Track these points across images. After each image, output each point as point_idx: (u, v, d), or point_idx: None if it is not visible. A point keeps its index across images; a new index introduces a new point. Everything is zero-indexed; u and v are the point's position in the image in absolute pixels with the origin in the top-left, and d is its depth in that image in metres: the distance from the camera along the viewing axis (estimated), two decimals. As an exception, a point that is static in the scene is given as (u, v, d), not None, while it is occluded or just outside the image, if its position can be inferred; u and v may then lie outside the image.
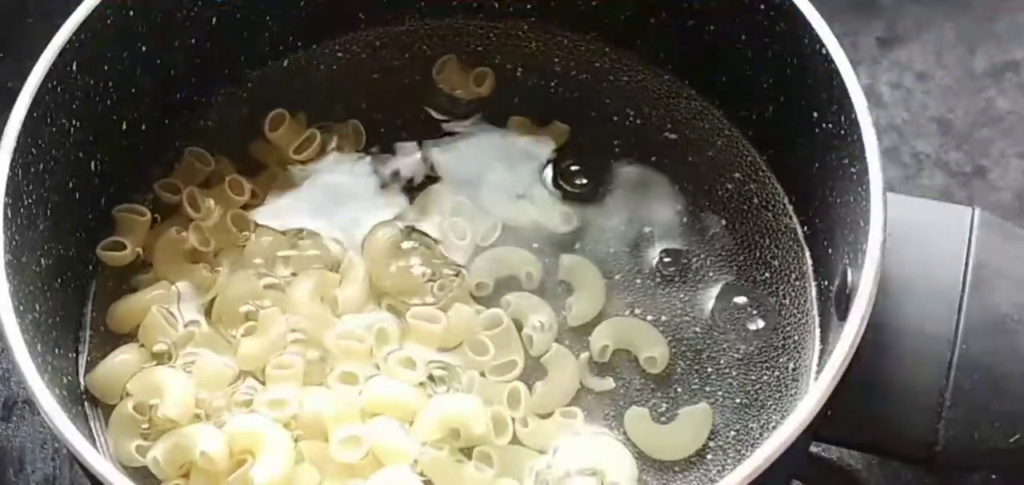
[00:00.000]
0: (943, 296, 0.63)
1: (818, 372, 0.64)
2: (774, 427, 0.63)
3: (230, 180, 0.70)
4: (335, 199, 0.70)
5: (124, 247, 0.68)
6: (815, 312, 0.67)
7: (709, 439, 0.64)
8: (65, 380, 0.63)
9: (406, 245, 0.69)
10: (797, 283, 0.67)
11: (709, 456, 0.63)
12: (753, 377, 0.65)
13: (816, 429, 0.58)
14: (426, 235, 0.69)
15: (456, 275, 0.68)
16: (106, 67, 0.66)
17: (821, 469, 0.73)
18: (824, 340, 0.65)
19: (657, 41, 0.72)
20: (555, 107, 0.73)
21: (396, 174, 0.71)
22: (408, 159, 0.72)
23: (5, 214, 0.60)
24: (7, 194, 0.60)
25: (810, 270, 0.68)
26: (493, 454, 0.62)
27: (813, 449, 0.71)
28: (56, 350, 0.63)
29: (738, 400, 0.65)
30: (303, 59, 0.75)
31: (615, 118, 0.73)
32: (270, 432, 0.62)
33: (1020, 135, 0.84)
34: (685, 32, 0.71)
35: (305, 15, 0.74)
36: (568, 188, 0.71)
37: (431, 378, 0.64)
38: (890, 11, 0.89)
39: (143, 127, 0.70)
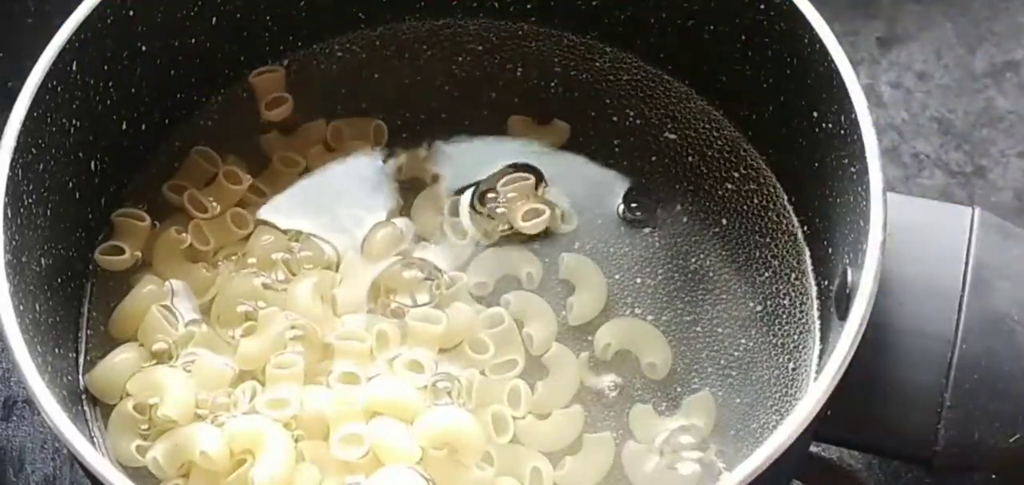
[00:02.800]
0: (943, 296, 0.63)
1: (818, 372, 0.64)
2: (774, 427, 0.63)
3: (225, 171, 0.70)
4: (335, 198, 0.70)
5: (123, 251, 0.68)
6: (815, 312, 0.67)
7: (709, 439, 0.64)
8: (65, 380, 0.63)
9: (406, 245, 0.69)
10: (797, 283, 0.67)
11: (710, 456, 0.63)
12: (753, 377, 0.65)
13: (816, 429, 0.58)
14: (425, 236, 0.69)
15: (456, 275, 0.68)
16: (106, 67, 0.66)
17: (821, 469, 0.73)
18: (824, 340, 0.65)
19: (657, 41, 0.73)
20: (555, 107, 0.73)
21: (396, 174, 0.71)
22: (408, 159, 0.72)
23: (5, 214, 0.60)
24: (7, 194, 0.60)
25: (810, 270, 0.68)
26: (493, 453, 0.62)
27: (813, 449, 0.71)
28: (56, 350, 0.63)
29: (738, 400, 0.65)
30: (303, 59, 0.75)
31: (615, 118, 0.73)
32: (270, 432, 0.62)
33: (1020, 135, 0.84)
34: (685, 32, 0.71)
35: (305, 15, 0.74)
36: (569, 188, 0.71)
37: (434, 387, 0.64)
38: (890, 11, 0.89)
39: (143, 127, 0.70)
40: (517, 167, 0.71)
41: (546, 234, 0.69)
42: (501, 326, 0.66)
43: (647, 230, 0.69)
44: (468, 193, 0.70)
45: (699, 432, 0.64)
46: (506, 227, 0.69)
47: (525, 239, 0.69)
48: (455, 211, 0.70)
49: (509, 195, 0.69)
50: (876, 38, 0.88)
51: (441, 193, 0.70)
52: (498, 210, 0.69)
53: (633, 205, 0.70)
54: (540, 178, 0.70)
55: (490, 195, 0.70)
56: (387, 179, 0.71)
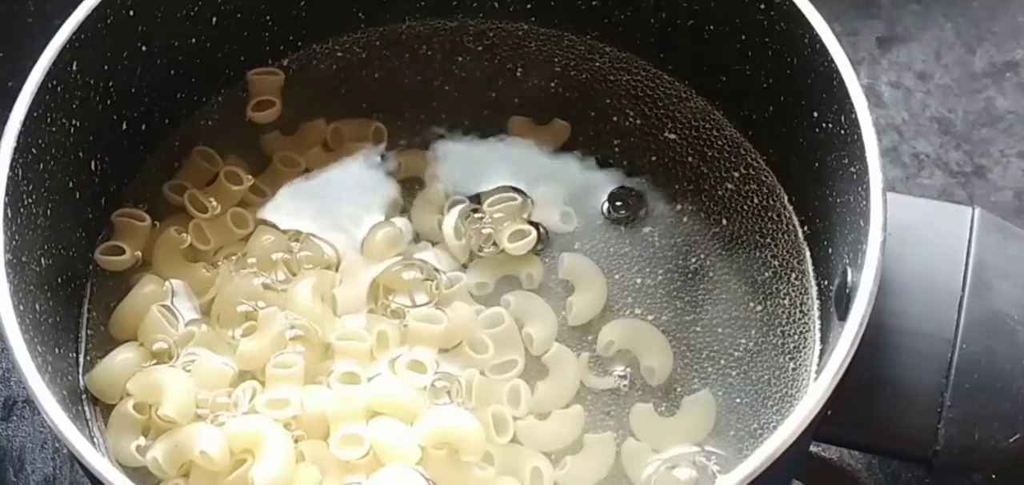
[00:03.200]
0: (943, 296, 0.63)
1: (818, 372, 0.64)
2: (774, 427, 0.63)
3: (226, 171, 0.70)
4: (336, 198, 0.70)
5: (123, 251, 0.68)
6: (815, 312, 0.67)
7: (709, 439, 0.64)
8: (65, 380, 0.63)
9: (405, 245, 0.69)
10: (797, 283, 0.68)
11: (710, 456, 0.63)
12: (753, 377, 0.65)
13: (816, 429, 0.57)
14: (425, 237, 0.69)
15: (455, 275, 0.68)
16: (106, 67, 0.66)
17: (821, 469, 0.73)
18: (824, 340, 0.65)
19: (657, 41, 0.73)
20: (555, 107, 0.73)
21: (396, 174, 0.71)
22: (408, 159, 0.72)
23: (5, 214, 0.60)
24: (7, 194, 0.60)
25: (810, 270, 0.68)
26: (494, 453, 0.62)
27: (813, 449, 0.71)
28: (56, 350, 0.63)
29: (738, 400, 0.65)
30: (303, 59, 0.75)
31: (615, 118, 0.73)
32: (270, 432, 0.62)
33: (1020, 135, 0.84)
34: (685, 32, 0.71)
35: (305, 15, 0.74)
36: (569, 188, 0.71)
37: (433, 387, 0.64)
38: (890, 11, 0.89)
39: (143, 127, 0.70)
40: (504, 187, 0.70)
41: (546, 235, 0.69)
42: (501, 326, 0.66)
43: (647, 230, 0.69)
44: (455, 211, 0.69)
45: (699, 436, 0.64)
46: (492, 247, 0.69)
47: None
48: (455, 211, 0.70)
49: (495, 215, 0.69)
50: (876, 38, 0.88)
51: (440, 194, 0.70)
52: (484, 230, 0.69)
53: (617, 204, 0.70)
54: (526, 199, 0.70)
55: (477, 214, 0.69)
56: (387, 179, 0.71)
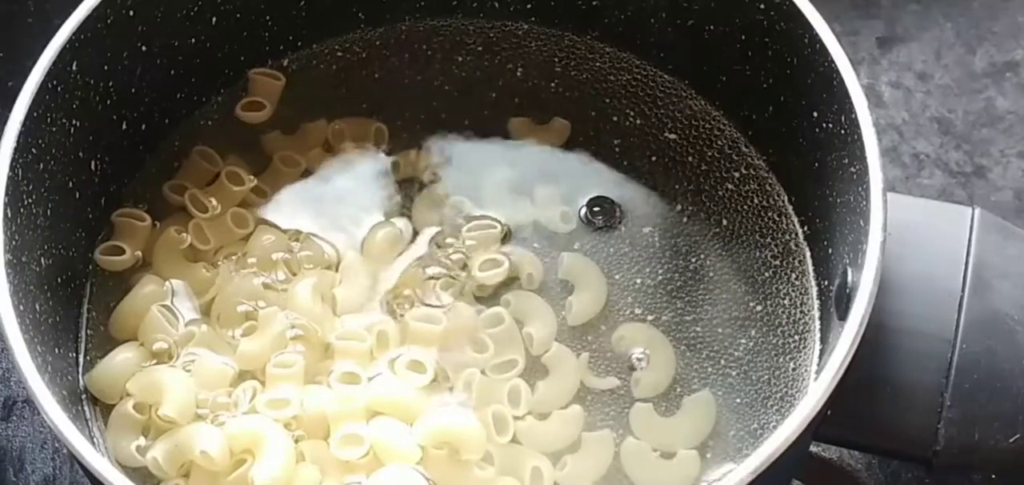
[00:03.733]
0: (943, 296, 0.63)
1: (818, 372, 0.64)
2: (774, 427, 0.63)
3: (227, 171, 0.70)
4: (336, 198, 0.70)
5: (123, 251, 0.68)
6: (815, 312, 0.67)
7: (709, 439, 0.64)
8: (65, 380, 0.63)
9: (405, 245, 0.69)
10: (797, 283, 0.68)
11: (709, 456, 0.63)
12: (753, 377, 0.65)
13: (816, 429, 0.57)
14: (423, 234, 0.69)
15: (455, 275, 0.68)
16: (106, 67, 0.67)
17: (821, 469, 0.73)
18: (824, 340, 0.65)
19: (657, 41, 0.73)
20: (555, 107, 0.73)
21: (396, 174, 0.71)
22: (408, 159, 0.72)
23: (5, 214, 0.60)
24: (7, 194, 0.60)
25: (810, 270, 0.68)
26: (494, 453, 0.62)
27: (813, 449, 0.71)
28: (56, 350, 0.63)
29: (738, 400, 0.65)
30: (303, 59, 0.75)
31: (615, 118, 0.73)
32: (270, 432, 0.62)
33: (1020, 135, 0.84)
34: (685, 32, 0.71)
35: (305, 15, 0.74)
36: (568, 187, 0.71)
37: (434, 386, 0.64)
38: (890, 11, 0.89)
39: (143, 127, 0.70)
40: (481, 216, 0.70)
41: (546, 235, 0.69)
42: (501, 326, 0.66)
43: (647, 230, 0.69)
44: (430, 231, 0.69)
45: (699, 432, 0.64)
46: (463, 272, 0.68)
47: (523, 239, 0.69)
48: (456, 211, 0.70)
49: (469, 242, 0.69)
50: (876, 38, 0.88)
51: (441, 193, 0.70)
52: (454, 256, 0.69)
53: (595, 209, 0.70)
54: (503, 227, 0.69)
55: (451, 239, 0.69)
56: (387, 179, 0.71)
